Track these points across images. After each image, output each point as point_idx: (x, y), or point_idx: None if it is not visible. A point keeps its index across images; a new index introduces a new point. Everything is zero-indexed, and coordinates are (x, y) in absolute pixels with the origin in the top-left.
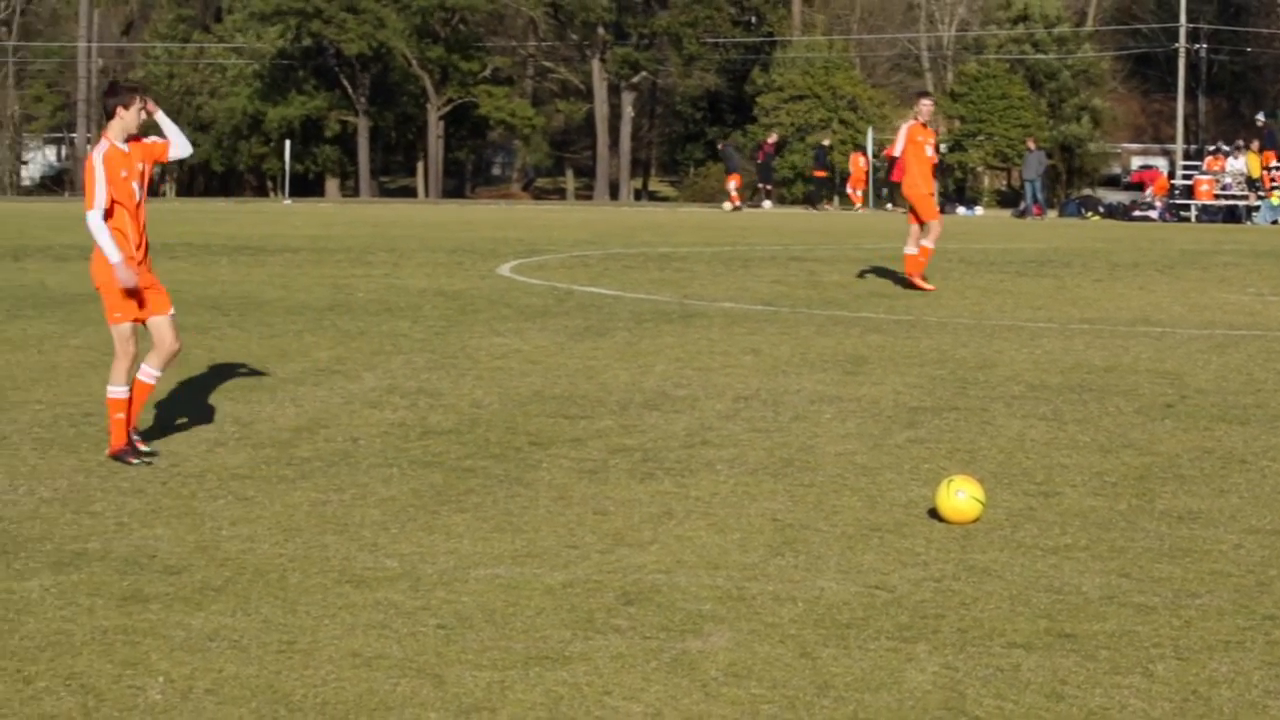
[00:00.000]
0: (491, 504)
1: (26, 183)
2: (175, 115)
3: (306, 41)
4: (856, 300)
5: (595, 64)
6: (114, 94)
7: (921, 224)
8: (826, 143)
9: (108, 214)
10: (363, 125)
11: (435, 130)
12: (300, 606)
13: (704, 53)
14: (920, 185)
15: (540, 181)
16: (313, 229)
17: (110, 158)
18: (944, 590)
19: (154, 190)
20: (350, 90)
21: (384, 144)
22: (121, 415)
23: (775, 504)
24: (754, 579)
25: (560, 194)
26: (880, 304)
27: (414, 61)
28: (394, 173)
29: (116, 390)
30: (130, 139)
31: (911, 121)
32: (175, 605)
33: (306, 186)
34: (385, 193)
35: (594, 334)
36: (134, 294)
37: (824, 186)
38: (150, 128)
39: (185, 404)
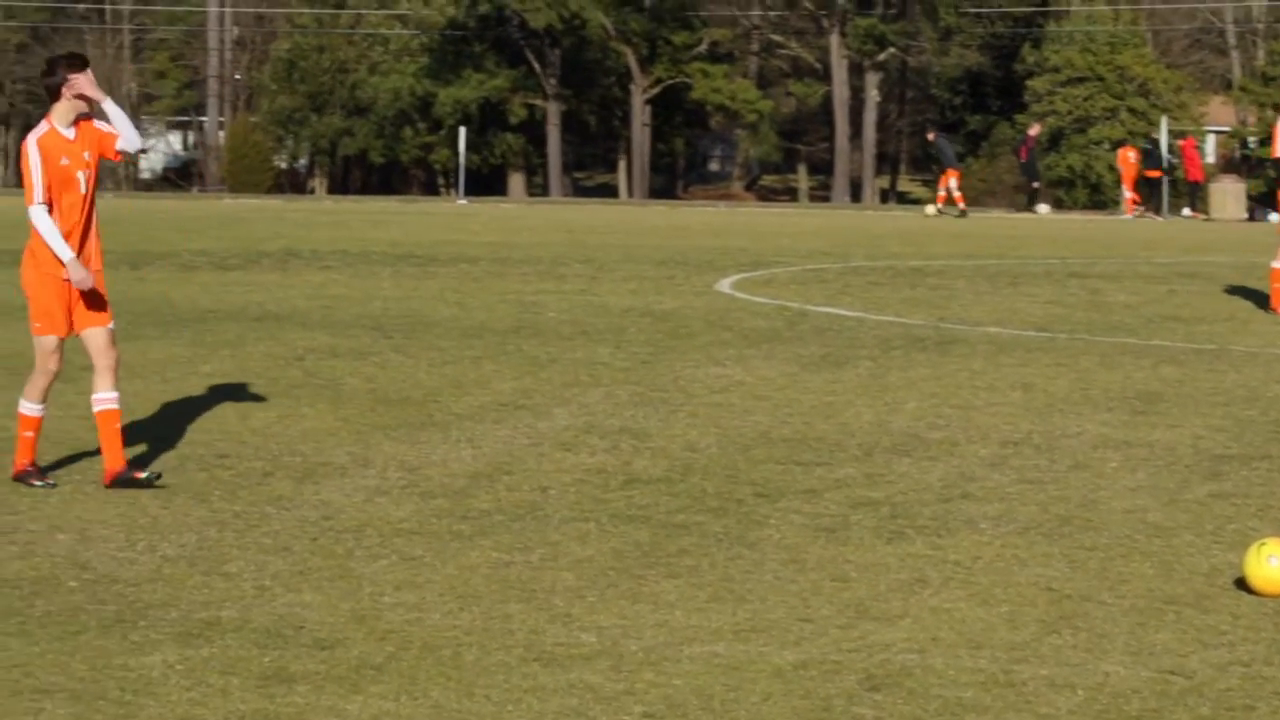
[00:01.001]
0: (709, 567)
1: (146, 175)
2: (328, 96)
3: (484, 8)
4: (1148, 325)
5: (833, 38)
6: (52, 72)
7: None
8: (1158, 135)
9: (49, 208)
10: (553, 110)
11: (640, 117)
12: (478, 689)
13: (964, 25)
14: None
15: (766, 179)
16: (493, 234)
17: (47, 142)
18: (1254, 677)
19: (300, 186)
20: (538, 68)
21: (579, 133)
22: (30, 434)
23: (1050, 570)
24: (1024, 660)
25: (791, 194)
26: (1177, 329)
27: (614, 34)
28: (590, 167)
29: (28, 407)
30: (79, 120)
31: None
32: (326, 686)
33: (485, 183)
34: (580, 191)
35: (832, 364)
36: (66, 304)
37: (1157, 189)
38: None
39: (339, 444)
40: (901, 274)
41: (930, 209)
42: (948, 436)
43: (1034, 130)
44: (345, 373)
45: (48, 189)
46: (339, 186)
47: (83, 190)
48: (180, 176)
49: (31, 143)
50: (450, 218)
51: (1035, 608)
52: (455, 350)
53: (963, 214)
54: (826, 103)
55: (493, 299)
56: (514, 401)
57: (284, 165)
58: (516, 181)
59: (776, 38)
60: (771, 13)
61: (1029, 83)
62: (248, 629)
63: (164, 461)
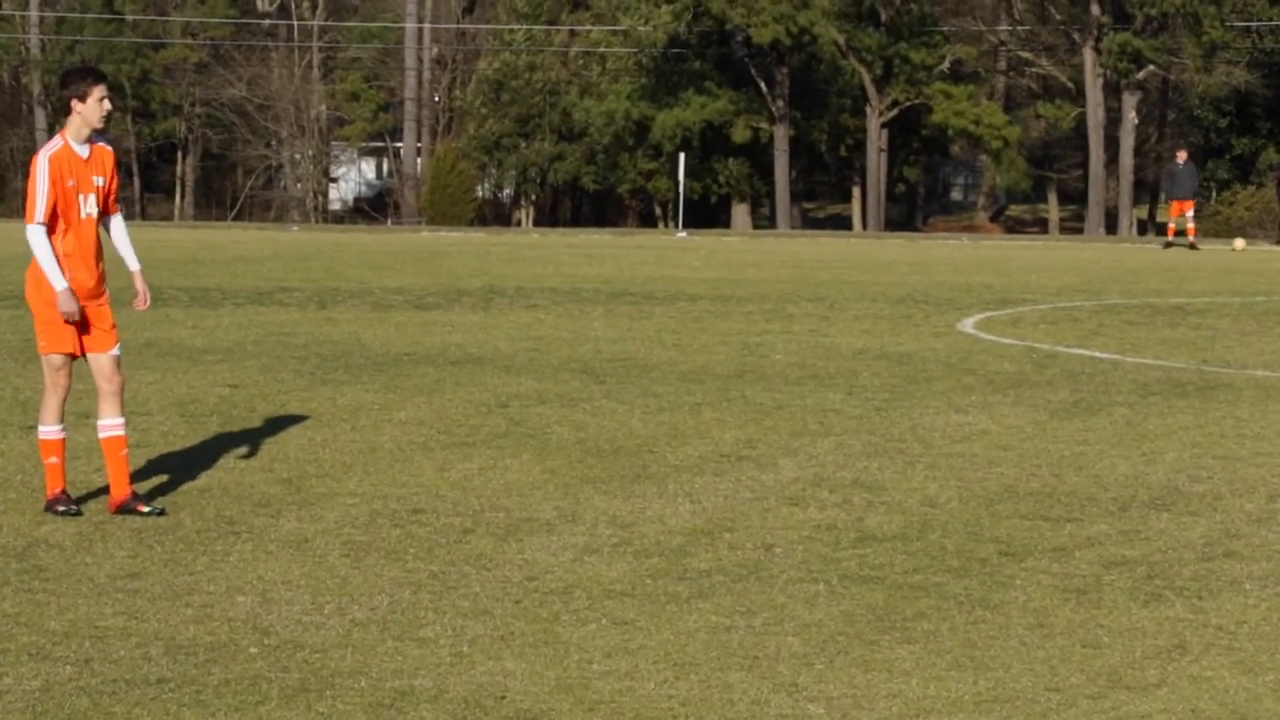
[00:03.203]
0: (948, 632)
1: (336, 206)
2: (538, 118)
3: (706, 24)
4: None
5: (1087, 54)
6: (66, 83)
7: None
8: None
9: (50, 229)
10: (780, 134)
11: (876, 142)
12: None
13: (1231, 40)
14: None
15: (1013, 209)
16: (714, 270)
17: (59, 160)
18: None
19: (505, 217)
20: (764, 88)
21: (808, 159)
22: (55, 460)
23: None
24: None
25: (1040, 225)
26: None
27: (847, 51)
28: (822, 197)
29: (45, 431)
30: (94, 139)
31: None
32: None
33: (706, 214)
34: (810, 223)
35: (1084, 410)
36: (72, 325)
37: None
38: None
39: (545, 498)
40: (1161, 312)
41: (1239, 243)
42: (1210, 490)
43: None
44: (552, 421)
45: (50, 210)
46: (547, 218)
47: (86, 214)
48: (374, 207)
49: (42, 159)
50: (668, 252)
51: None
52: (673, 396)
53: (1169, 245)
54: (1079, 125)
55: (714, 340)
56: (736, 452)
57: (487, 195)
58: (740, 212)
59: (1025, 55)
60: (1020, 28)
61: None
62: (444, 699)
63: (353, 517)
